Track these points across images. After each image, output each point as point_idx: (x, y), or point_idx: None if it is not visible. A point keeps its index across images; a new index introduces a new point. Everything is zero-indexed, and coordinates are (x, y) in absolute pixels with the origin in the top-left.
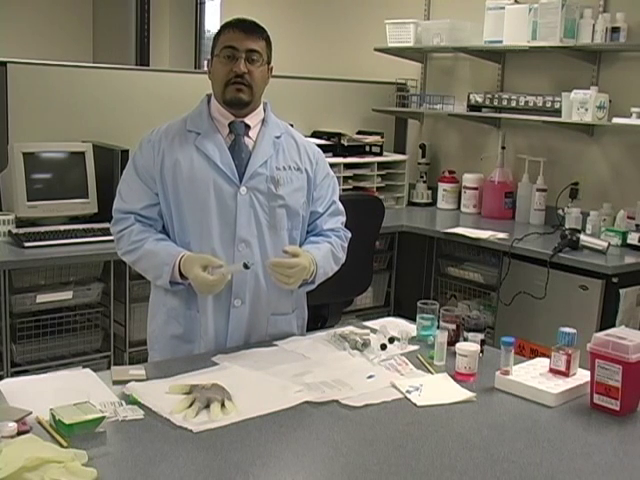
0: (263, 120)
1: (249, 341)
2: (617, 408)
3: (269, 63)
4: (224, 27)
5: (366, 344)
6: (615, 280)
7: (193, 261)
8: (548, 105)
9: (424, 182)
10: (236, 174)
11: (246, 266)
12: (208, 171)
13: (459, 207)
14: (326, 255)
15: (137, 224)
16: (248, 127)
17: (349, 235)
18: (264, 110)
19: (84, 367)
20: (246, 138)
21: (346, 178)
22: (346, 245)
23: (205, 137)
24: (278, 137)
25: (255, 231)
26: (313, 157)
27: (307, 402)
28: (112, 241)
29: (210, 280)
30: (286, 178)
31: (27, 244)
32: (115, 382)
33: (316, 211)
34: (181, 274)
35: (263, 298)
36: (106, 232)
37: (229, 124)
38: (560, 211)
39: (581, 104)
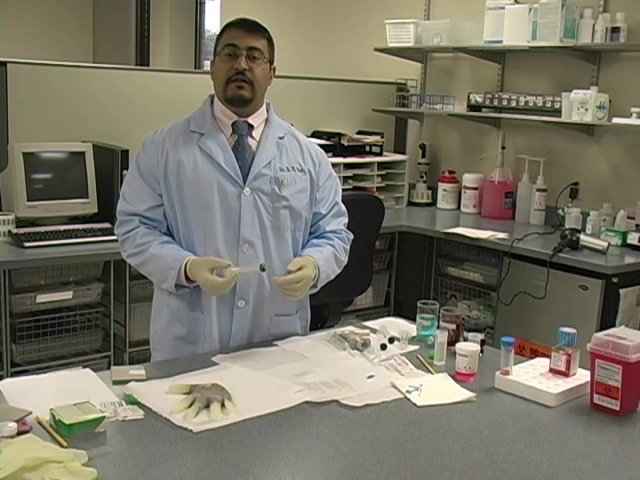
0: (266, 120)
1: (251, 341)
2: (617, 408)
3: (272, 63)
4: (226, 26)
5: (366, 344)
6: (615, 280)
7: (200, 265)
8: (548, 105)
9: (424, 182)
10: (240, 175)
11: (262, 268)
12: (212, 172)
13: (459, 207)
14: (328, 259)
15: (142, 226)
16: (251, 127)
17: (351, 237)
18: (267, 111)
19: (84, 367)
20: (249, 139)
21: (346, 178)
22: (348, 247)
23: (208, 137)
24: (281, 138)
25: (259, 232)
26: (316, 158)
27: (307, 402)
28: (112, 241)
29: (220, 282)
30: (290, 179)
31: (27, 244)
32: (115, 382)
33: (319, 212)
34: (187, 278)
35: (267, 299)
36: (106, 232)
37: (232, 124)
38: (560, 211)
39: (581, 104)
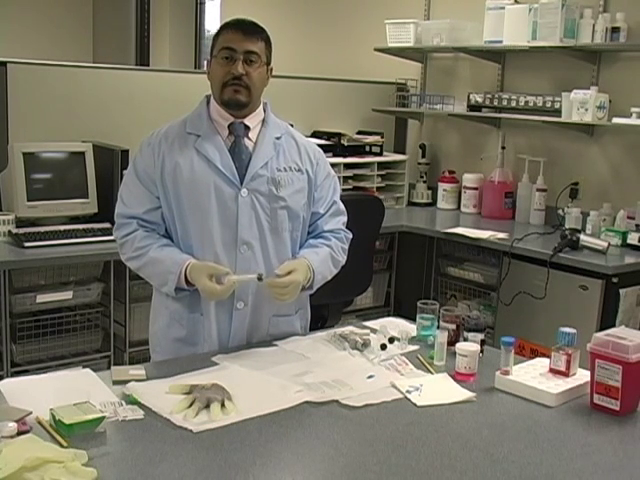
0: (263, 121)
1: (250, 341)
2: (617, 408)
3: (269, 64)
4: (223, 28)
5: (366, 344)
6: (615, 280)
7: (200, 270)
8: (548, 105)
9: (424, 182)
10: (237, 176)
11: (260, 278)
12: (209, 173)
13: (459, 207)
14: (324, 260)
15: (140, 230)
16: (248, 128)
17: (350, 236)
18: (264, 110)
19: (84, 367)
20: (246, 139)
21: (346, 178)
22: (347, 247)
23: (205, 139)
24: (278, 138)
25: (257, 233)
26: (314, 157)
27: (307, 402)
28: (112, 241)
29: (219, 290)
30: (287, 179)
31: (27, 244)
32: (115, 382)
33: (317, 212)
34: (187, 281)
35: (265, 300)
36: (106, 232)
37: (229, 125)
38: (560, 211)
39: (581, 104)
